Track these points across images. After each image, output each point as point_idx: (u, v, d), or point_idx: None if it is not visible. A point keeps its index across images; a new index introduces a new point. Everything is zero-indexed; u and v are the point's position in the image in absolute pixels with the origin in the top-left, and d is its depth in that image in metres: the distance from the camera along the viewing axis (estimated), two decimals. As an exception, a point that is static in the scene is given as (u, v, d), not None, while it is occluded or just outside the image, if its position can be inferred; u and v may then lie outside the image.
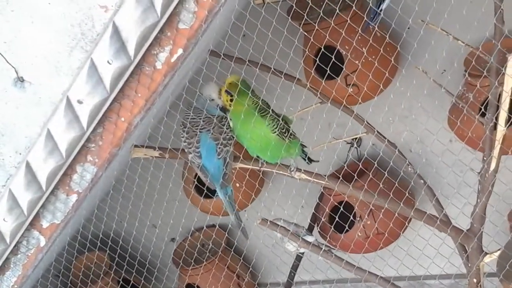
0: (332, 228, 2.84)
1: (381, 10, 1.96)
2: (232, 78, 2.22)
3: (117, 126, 1.97)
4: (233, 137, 2.26)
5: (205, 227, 3.30)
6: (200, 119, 2.21)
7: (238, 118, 2.20)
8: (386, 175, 2.27)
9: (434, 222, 2.24)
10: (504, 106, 2.00)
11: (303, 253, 2.95)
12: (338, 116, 2.37)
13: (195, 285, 3.28)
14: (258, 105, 2.18)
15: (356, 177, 2.42)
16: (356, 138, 2.95)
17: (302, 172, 2.29)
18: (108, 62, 1.82)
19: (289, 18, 2.01)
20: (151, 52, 1.84)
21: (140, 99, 1.92)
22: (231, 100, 2.21)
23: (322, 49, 2.36)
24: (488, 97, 2.02)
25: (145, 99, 1.91)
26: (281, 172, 2.31)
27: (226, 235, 3.19)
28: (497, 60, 1.91)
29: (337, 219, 2.61)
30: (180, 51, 1.82)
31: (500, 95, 1.99)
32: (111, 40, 1.78)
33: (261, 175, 3.08)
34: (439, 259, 2.40)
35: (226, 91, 2.22)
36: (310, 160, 2.44)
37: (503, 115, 2.02)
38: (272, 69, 2.16)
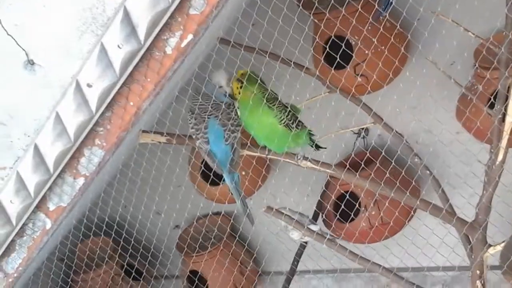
0: (338, 217, 2.84)
1: (392, 0, 1.95)
2: (243, 71, 2.22)
3: (126, 110, 1.98)
4: (241, 124, 2.26)
5: (210, 213, 3.30)
6: (208, 105, 2.21)
7: (246, 108, 2.20)
8: (393, 164, 2.27)
9: (439, 212, 2.23)
10: (513, 98, 1.99)
11: (307, 242, 2.95)
12: (346, 105, 2.37)
13: (199, 271, 3.29)
14: (266, 95, 2.19)
15: (362, 166, 2.41)
16: (363, 128, 2.95)
17: (309, 161, 2.29)
18: (118, 46, 1.82)
19: (300, 6, 2.00)
20: (161, 37, 1.84)
21: (149, 84, 1.92)
22: (241, 88, 2.22)
23: (333, 37, 2.35)
24: (497, 88, 2.02)
25: (154, 84, 1.92)
26: (287, 160, 2.31)
27: (232, 221, 3.20)
28: (507, 51, 1.91)
29: (342, 207, 2.61)
30: (190, 36, 1.82)
31: (509, 87, 1.98)
32: (121, 25, 1.78)
33: (268, 163, 3.08)
34: (443, 249, 2.41)
35: (237, 79, 2.22)
36: (318, 147, 2.44)
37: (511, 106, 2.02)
38: (282, 57, 2.15)
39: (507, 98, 2.01)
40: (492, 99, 2.08)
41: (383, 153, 2.20)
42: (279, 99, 2.22)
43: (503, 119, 2.06)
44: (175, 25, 1.81)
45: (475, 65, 2.44)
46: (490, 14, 1.98)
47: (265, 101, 2.16)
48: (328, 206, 2.96)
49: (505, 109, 2.02)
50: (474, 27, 2.02)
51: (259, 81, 2.19)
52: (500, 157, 2.12)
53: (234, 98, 2.27)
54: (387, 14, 2.06)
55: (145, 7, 1.75)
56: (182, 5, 1.77)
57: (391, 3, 1.98)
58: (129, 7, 1.76)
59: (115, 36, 1.81)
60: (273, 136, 2.21)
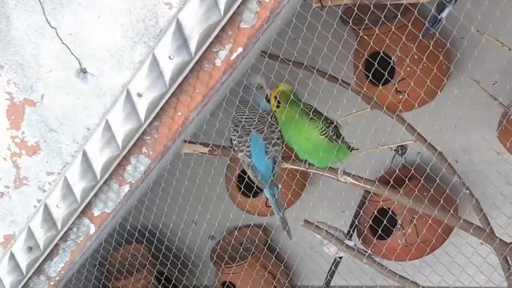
0: (379, 232, 2.83)
1: (441, 18, 1.95)
2: (283, 87, 2.24)
3: (174, 120, 2.01)
4: (281, 137, 2.28)
5: (251, 224, 3.30)
6: (255, 117, 2.23)
7: (286, 122, 2.23)
8: (437, 181, 2.26)
9: (478, 233, 2.22)
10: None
11: (341, 257, 2.95)
12: (386, 121, 2.37)
13: (236, 284, 3.29)
14: (307, 109, 2.20)
15: (402, 183, 2.41)
16: (402, 145, 2.94)
17: (350, 176, 2.29)
18: (169, 57, 1.86)
19: (350, 22, 2.02)
20: (212, 49, 1.88)
21: (198, 95, 1.96)
22: (277, 107, 2.25)
23: (382, 53, 2.37)
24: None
25: (203, 95, 1.96)
26: (328, 175, 2.32)
27: (272, 233, 3.20)
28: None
29: (384, 222, 2.61)
30: (240, 49, 1.86)
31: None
32: (173, 37, 1.83)
33: (310, 176, 3.07)
34: (485, 269, 2.38)
35: (275, 97, 2.25)
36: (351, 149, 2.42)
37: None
38: (330, 72, 2.17)
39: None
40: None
41: (427, 170, 2.20)
42: (318, 110, 2.23)
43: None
44: (226, 38, 1.85)
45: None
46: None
47: (301, 110, 2.17)
48: (365, 223, 2.95)
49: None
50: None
51: (293, 95, 2.21)
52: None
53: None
54: (438, 31, 2.06)
55: (198, 19, 1.80)
56: (233, 18, 1.82)
57: (440, 20, 1.97)
58: (181, 19, 1.81)
59: (167, 48, 1.85)
60: (314, 148, 2.22)
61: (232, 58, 1.88)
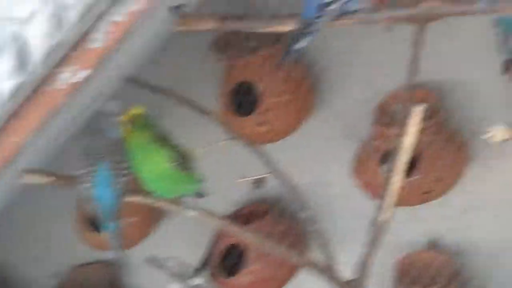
0: (224, 270, 2.80)
1: (297, 49, 1.92)
2: (136, 111, 2.14)
3: (6, 147, 1.82)
4: (130, 167, 2.17)
5: (92, 261, 3.17)
6: (101, 145, 2.09)
7: (134, 148, 2.11)
8: (289, 216, 2.27)
9: (321, 270, 2.24)
10: (403, 157, 2.05)
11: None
12: (245, 154, 2.35)
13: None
14: (156, 136, 2.12)
15: (252, 219, 2.40)
16: (259, 179, 2.94)
17: (196, 210, 2.22)
18: (6, 78, 1.70)
19: (216, 50, 1.99)
20: (55, 70, 1.73)
21: (35, 120, 1.79)
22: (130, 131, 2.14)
23: (247, 83, 2.36)
24: (391, 146, 2.08)
25: (41, 120, 1.79)
26: (172, 208, 2.24)
27: (114, 270, 3.07)
28: (405, 110, 1.97)
29: (234, 259, 2.58)
30: (86, 72, 1.73)
31: (402, 145, 2.04)
32: (14, 56, 1.68)
33: (153, 211, 3.00)
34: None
35: (126, 122, 2.14)
36: (201, 195, 2.37)
37: (400, 165, 2.07)
38: (189, 100, 2.13)
39: (397, 157, 2.06)
40: (386, 157, 2.13)
41: (280, 206, 2.21)
42: (169, 137, 2.15)
43: (393, 177, 2.11)
44: (72, 58, 1.72)
45: (374, 121, 2.51)
46: (397, 70, 2.04)
47: (154, 142, 2.09)
48: (215, 259, 2.91)
49: (394, 167, 2.08)
50: (380, 83, 2.08)
51: (145, 121, 2.12)
52: (385, 216, 2.16)
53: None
54: (292, 62, 2.05)
55: (42, 38, 1.65)
56: (82, 38, 1.70)
57: (294, 51, 1.94)
58: (24, 37, 1.67)
59: (4, 67, 1.68)
60: (161, 177, 2.12)
61: (76, 80, 1.74)
